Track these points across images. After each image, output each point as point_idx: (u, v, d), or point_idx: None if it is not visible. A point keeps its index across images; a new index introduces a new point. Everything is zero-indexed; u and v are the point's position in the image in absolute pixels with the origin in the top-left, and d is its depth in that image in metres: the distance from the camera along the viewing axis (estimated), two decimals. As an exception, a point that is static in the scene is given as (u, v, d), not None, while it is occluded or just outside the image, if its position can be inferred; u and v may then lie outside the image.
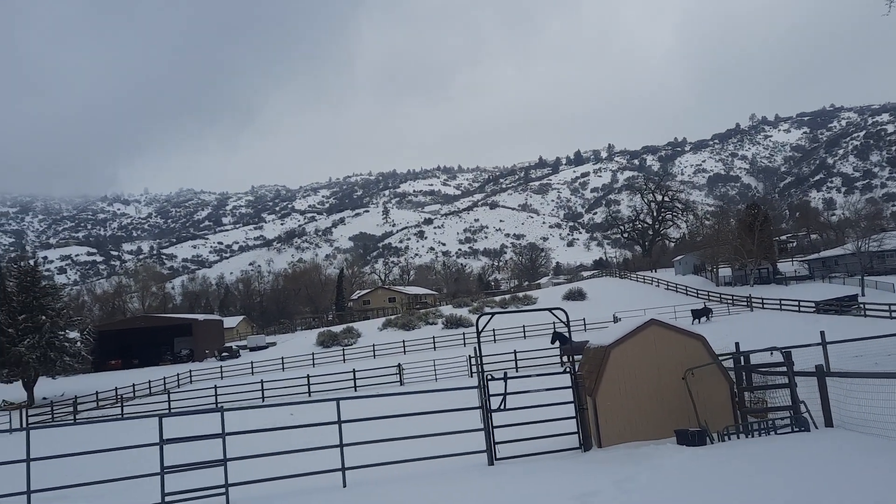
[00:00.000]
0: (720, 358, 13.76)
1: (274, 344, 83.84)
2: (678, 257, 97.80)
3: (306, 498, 10.55)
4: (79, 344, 53.11)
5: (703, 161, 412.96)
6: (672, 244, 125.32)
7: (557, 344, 39.35)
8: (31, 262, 53.77)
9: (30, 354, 49.12)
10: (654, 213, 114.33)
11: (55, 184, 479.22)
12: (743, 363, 14.48)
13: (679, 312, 55.91)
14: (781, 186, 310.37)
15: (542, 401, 13.86)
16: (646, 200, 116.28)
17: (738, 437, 12.32)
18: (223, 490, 10.65)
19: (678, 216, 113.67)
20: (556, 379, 15.66)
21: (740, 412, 13.31)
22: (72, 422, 14.58)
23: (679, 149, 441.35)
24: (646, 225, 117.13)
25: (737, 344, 16.64)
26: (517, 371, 38.21)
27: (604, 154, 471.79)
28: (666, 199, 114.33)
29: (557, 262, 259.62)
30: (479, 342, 13.00)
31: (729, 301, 65.22)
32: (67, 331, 53.20)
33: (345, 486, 11.27)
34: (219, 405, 38.93)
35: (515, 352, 40.33)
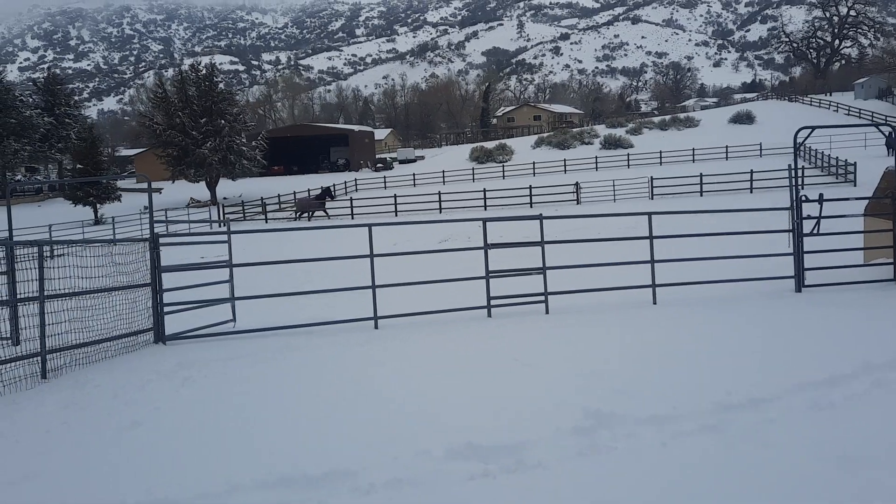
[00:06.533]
0: None
1: (422, 158, 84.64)
2: (860, 80, 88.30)
3: (617, 312, 10.16)
4: (255, 149, 55.47)
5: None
6: (841, 64, 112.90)
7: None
8: (210, 65, 55.15)
9: (212, 156, 51.79)
10: (836, 30, 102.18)
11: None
12: None
13: (870, 141, 50.85)
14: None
15: (853, 227, 12.64)
16: (827, 14, 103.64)
17: None
18: (542, 298, 10.42)
19: (865, 34, 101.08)
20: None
21: None
22: (397, 222, 15.26)
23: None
24: (823, 42, 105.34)
25: None
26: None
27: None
28: (852, 13, 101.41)
29: (702, 84, 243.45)
30: (795, 159, 11.63)
31: (927, 131, 58.71)
32: (242, 135, 55.42)
33: (655, 303, 10.80)
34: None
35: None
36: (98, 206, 46.93)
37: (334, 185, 51.81)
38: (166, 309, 9.16)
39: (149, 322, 9.01)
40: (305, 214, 40.98)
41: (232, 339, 9.22)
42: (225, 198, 55.77)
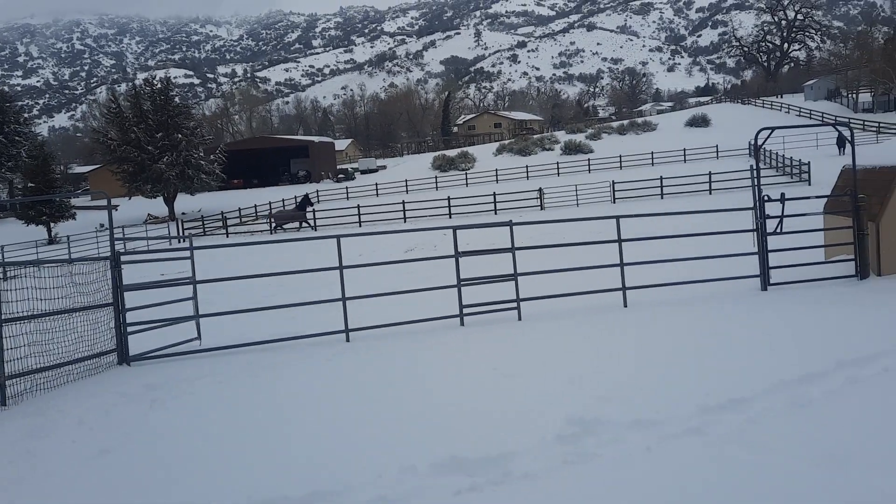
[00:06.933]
0: None
1: (384, 167, 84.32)
2: (809, 81, 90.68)
3: (590, 316, 10.16)
4: (214, 163, 54.65)
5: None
6: (791, 66, 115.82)
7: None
8: (165, 79, 54.27)
9: (169, 171, 50.88)
10: (784, 34, 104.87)
11: (149, 4, 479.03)
12: None
13: (822, 141, 52.15)
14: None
15: (814, 225, 12.87)
16: (776, 18, 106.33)
17: None
18: (515, 304, 10.37)
19: (812, 37, 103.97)
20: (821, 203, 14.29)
21: None
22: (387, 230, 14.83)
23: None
24: (773, 46, 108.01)
25: None
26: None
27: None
28: (799, 16, 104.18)
29: (657, 89, 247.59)
30: (756, 160, 11.81)
31: (875, 129, 60.41)
32: (200, 149, 54.56)
33: (626, 305, 10.83)
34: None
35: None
36: (52, 224, 45.75)
37: (316, 192, 51.26)
38: (130, 329, 8.87)
39: (112, 343, 8.72)
40: (286, 226, 40.23)
41: (199, 358, 8.96)
42: (184, 213, 54.82)
